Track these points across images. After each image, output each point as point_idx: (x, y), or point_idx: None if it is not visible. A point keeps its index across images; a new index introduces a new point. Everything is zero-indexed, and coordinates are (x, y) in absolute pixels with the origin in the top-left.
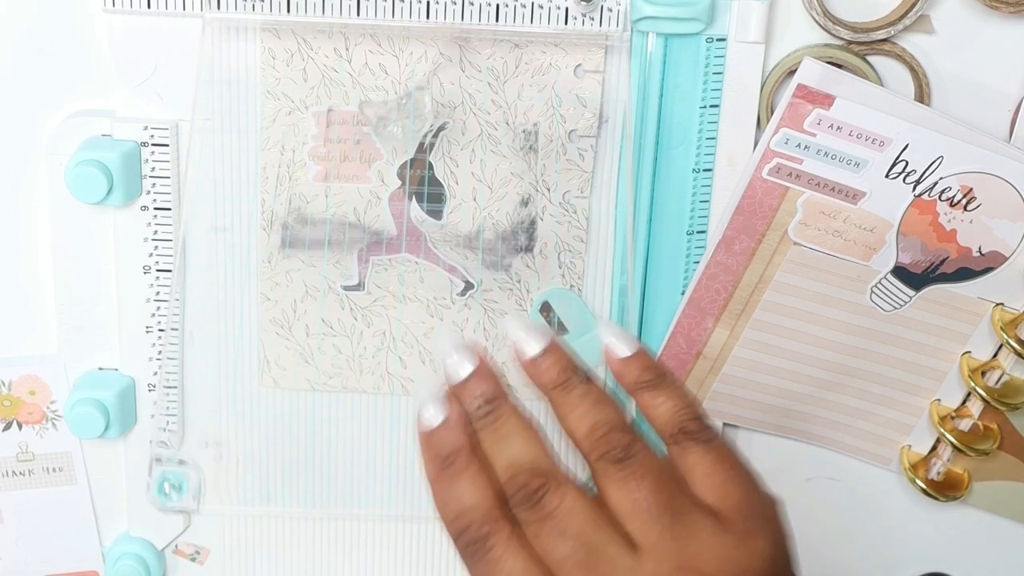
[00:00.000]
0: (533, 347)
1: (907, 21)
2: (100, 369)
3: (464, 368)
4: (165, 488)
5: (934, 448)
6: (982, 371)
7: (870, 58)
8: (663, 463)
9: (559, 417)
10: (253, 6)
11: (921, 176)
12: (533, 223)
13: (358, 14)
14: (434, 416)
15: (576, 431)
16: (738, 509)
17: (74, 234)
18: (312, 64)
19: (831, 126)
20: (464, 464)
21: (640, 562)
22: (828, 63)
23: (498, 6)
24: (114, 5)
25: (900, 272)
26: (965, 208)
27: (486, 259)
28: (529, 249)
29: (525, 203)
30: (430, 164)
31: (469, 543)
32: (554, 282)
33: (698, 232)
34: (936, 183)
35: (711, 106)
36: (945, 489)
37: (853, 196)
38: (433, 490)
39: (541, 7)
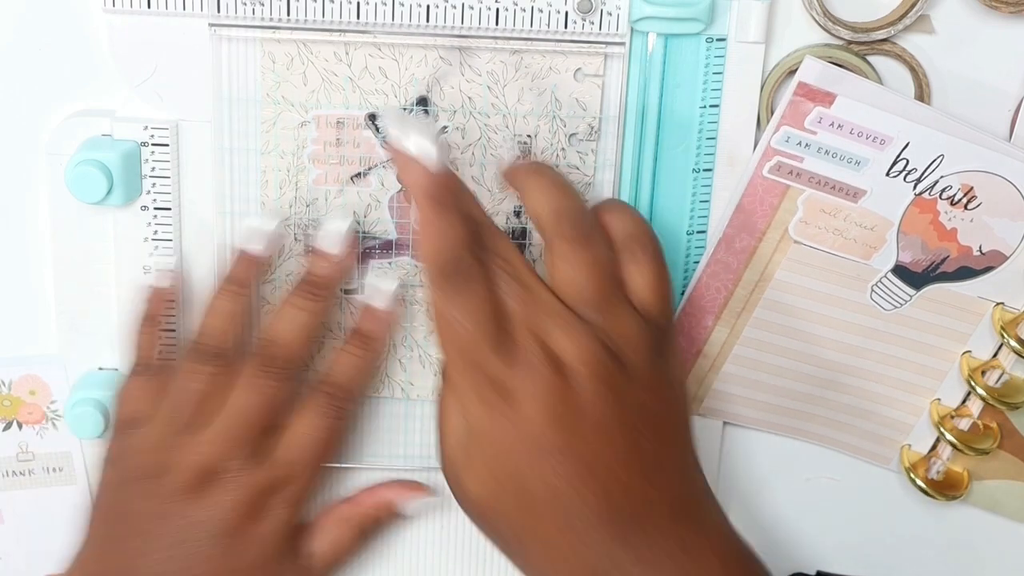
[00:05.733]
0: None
1: (907, 21)
2: (100, 369)
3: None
4: None
5: (934, 447)
6: (982, 370)
7: (870, 58)
8: (608, 257)
9: (525, 195)
10: (253, 10)
11: (922, 175)
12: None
13: (358, 17)
14: (435, 162)
15: (540, 211)
16: (660, 320)
17: (74, 234)
18: (312, 68)
19: (832, 124)
20: (455, 197)
21: (574, 317)
22: (828, 63)
23: (498, 10)
24: (114, 5)
25: (900, 271)
26: (966, 207)
27: None
28: (530, 252)
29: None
30: None
31: (458, 272)
32: None
33: (698, 232)
34: (937, 182)
35: (711, 106)
36: (945, 488)
37: (854, 194)
38: (429, 223)
39: (541, 11)
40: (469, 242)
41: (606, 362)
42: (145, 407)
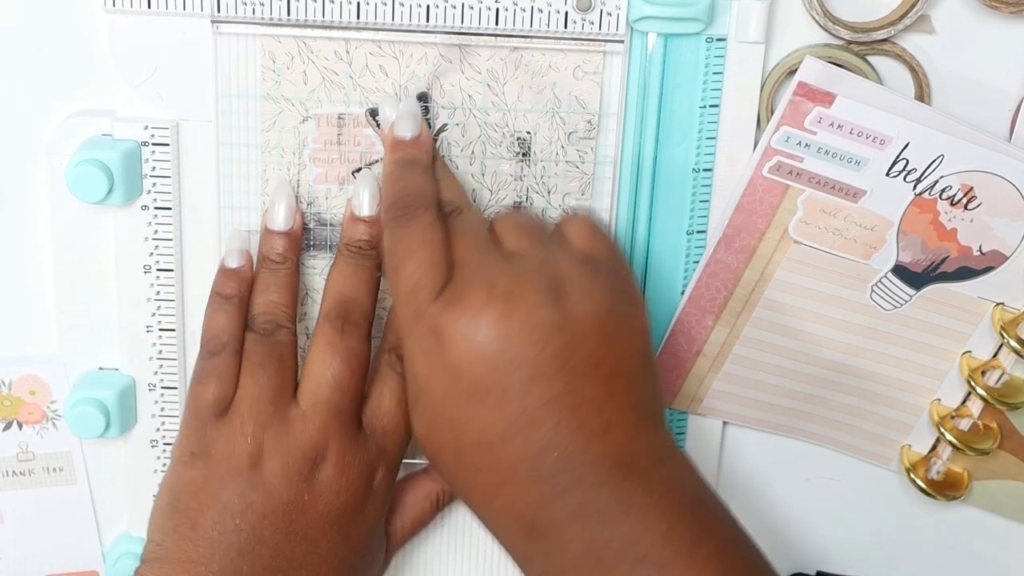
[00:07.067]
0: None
1: (907, 21)
2: (100, 369)
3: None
4: None
5: (934, 447)
6: (982, 370)
7: (870, 58)
8: (544, 221)
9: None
10: (254, 10)
11: (922, 175)
12: None
13: (358, 17)
14: (410, 130)
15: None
16: (607, 260)
17: (74, 234)
18: (312, 67)
19: (832, 124)
20: (424, 167)
21: (513, 258)
22: (828, 63)
23: (498, 10)
24: (115, 5)
25: (900, 271)
26: (965, 207)
27: None
28: None
29: (524, 205)
30: None
31: (406, 208)
32: None
33: (698, 232)
34: (937, 182)
35: (711, 106)
36: (945, 489)
37: (854, 194)
38: (393, 176)
39: (540, 11)
40: (426, 197)
41: (542, 297)
42: (225, 392)
